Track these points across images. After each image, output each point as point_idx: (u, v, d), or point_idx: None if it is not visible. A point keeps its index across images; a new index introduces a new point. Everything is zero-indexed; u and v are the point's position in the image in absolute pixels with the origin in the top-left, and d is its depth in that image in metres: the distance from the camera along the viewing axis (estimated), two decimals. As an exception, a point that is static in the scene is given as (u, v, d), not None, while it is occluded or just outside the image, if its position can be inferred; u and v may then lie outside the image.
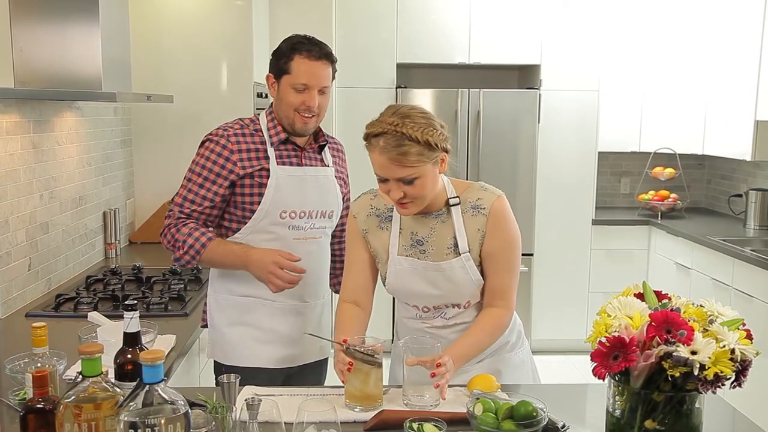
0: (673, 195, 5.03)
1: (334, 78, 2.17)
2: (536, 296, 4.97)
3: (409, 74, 5.18)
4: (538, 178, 4.88)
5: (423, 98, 4.79)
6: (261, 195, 2.12)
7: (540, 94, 4.84)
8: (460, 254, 1.84)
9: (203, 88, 3.91)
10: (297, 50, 2.08)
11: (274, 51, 2.16)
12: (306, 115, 2.11)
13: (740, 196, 4.76)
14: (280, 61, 2.11)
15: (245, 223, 2.14)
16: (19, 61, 2.57)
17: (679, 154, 4.98)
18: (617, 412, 1.40)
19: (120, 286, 2.89)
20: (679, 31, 4.84)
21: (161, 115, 3.89)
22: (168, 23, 3.87)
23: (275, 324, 2.19)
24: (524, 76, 5.24)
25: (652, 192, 5.10)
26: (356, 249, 1.97)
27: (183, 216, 2.14)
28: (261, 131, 2.17)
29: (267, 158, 2.14)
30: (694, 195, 5.42)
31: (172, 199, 2.19)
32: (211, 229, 2.18)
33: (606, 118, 4.95)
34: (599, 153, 4.99)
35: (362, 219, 1.96)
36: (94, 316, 2.24)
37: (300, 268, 2.08)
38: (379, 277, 1.99)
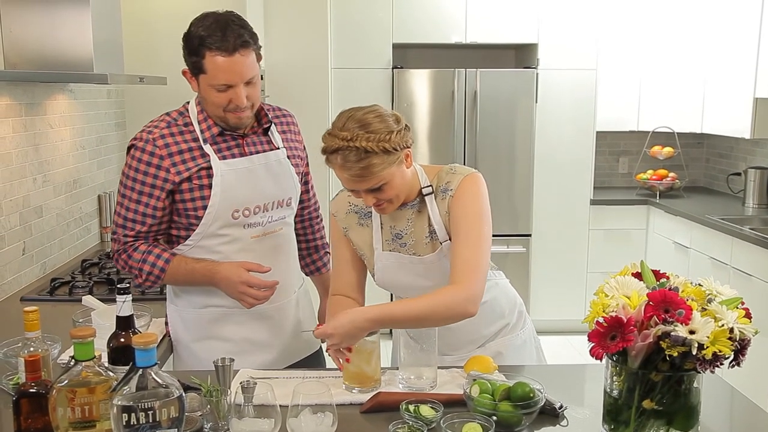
0: (671, 174, 5.01)
1: (260, 59, 1.87)
2: (534, 277, 4.94)
3: (406, 54, 5.13)
4: (535, 159, 4.85)
5: (419, 79, 4.75)
6: (205, 198, 1.88)
7: (537, 74, 4.80)
8: (440, 244, 1.79)
9: (197, 70, 3.86)
10: (207, 46, 1.78)
11: (184, 37, 1.83)
12: (237, 111, 1.87)
13: (739, 174, 4.74)
14: (192, 58, 1.82)
15: (193, 230, 1.92)
16: (8, 43, 2.54)
17: (677, 133, 4.95)
18: (615, 393, 1.39)
19: (115, 269, 2.87)
20: (677, 9, 4.79)
21: (155, 97, 3.83)
22: (160, 4, 3.82)
23: (246, 333, 2.01)
24: (521, 55, 5.19)
25: (650, 171, 5.08)
26: (341, 248, 1.93)
27: (129, 239, 1.92)
28: (192, 125, 1.91)
29: (204, 156, 1.88)
30: (692, 174, 5.40)
31: (113, 220, 1.96)
32: (161, 244, 1.98)
33: (604, 96, 4.92)
34: (597, 132, 4.96)
35: (342, 217, 1.92)
36: (88, 299, 2.23)
37: (271, 282, 1.91)
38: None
